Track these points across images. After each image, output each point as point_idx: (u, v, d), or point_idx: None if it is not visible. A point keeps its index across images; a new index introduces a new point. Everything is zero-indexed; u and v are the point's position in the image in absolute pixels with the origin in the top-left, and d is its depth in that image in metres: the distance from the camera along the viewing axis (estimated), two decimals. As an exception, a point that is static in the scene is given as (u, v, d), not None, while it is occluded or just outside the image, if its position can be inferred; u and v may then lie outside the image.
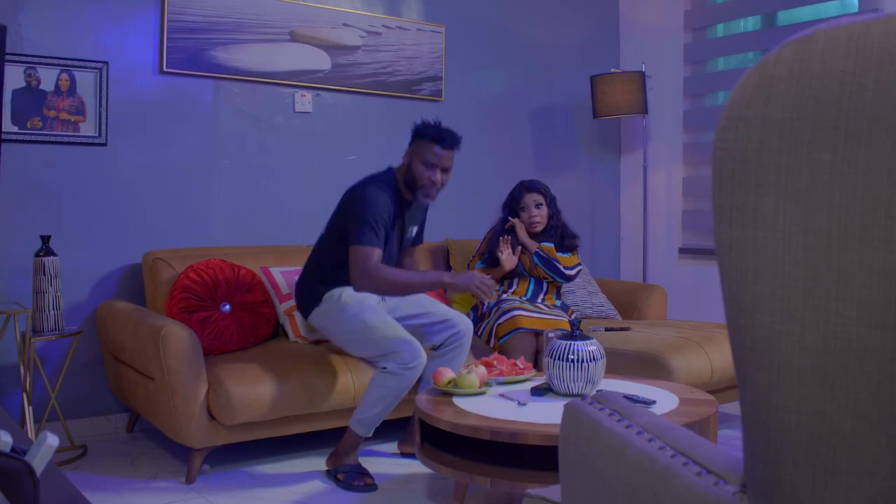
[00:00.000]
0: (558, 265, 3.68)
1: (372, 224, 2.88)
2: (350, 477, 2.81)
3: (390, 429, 3.48)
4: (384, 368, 2.84)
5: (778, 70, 0.70)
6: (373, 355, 2.94)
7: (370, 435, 2.92)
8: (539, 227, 3.77)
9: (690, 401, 2.51)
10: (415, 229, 3.25)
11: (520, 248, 3.73)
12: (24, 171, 3.30)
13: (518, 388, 2.69)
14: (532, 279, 3.74)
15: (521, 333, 3.40)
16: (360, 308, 2.95)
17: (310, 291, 3.08)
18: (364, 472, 2.83)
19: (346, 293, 3.01)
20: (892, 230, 0.65)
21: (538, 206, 3.78)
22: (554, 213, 3.81)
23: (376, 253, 2.88)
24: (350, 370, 3.06)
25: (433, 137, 2.98)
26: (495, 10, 4.59)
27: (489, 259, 3.78)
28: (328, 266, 3.05)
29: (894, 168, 0.64)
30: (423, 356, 2.86)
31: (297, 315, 3.35)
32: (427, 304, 3.16)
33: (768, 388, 0.72)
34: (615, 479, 0.95)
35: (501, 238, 3.72)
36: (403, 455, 3.16)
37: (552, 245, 3.74)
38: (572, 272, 3.72)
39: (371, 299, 3.04)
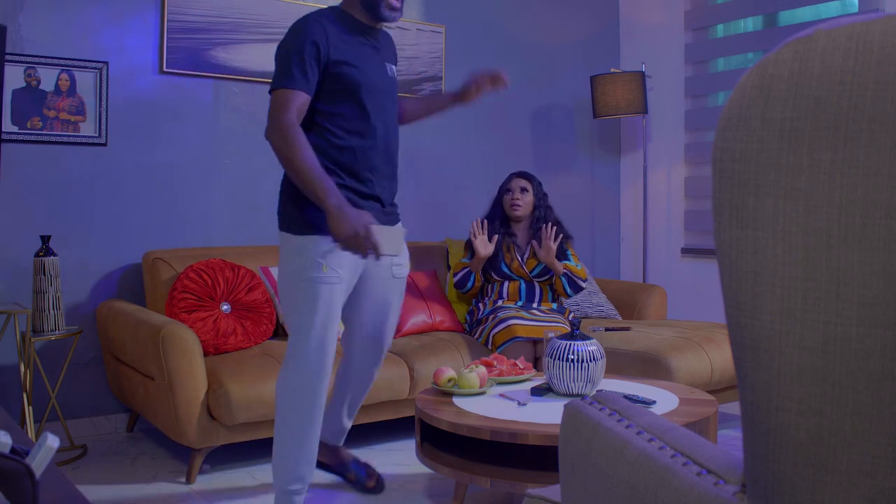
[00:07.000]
0: (581, 284, 3.67)
1: (295, 59, 2.23)
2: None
3: (391, 428, 3.48)
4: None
5: (778, 70, 0.70)
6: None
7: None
8: (519, 212, 3.71)
9: (690, 401, 2.51)
10: (394, 68, 2.59)
11: (497, 237, 3.65)
12: (24, 171, 3.30)
13: (518, 388, 2.69)
14: (522, 281, 3.69)
15: (518, 343, 3.38)
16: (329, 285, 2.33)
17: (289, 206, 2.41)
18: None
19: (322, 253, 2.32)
20: (892, 230, 0.65)
21: (523, 190, 3.74)
22: (541, 206, 3.75)
23: (298, 98, 2.22)
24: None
25: None
26: (495, 10, 4.59)
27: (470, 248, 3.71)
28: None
29: (894, 168, 0.64)
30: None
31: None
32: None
33: (768, 388, 0.72)
34: (615, 478, 0.95)
35: (474, 222, 3.64)
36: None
37: (580, 266, 3.69)
38: (586, 283, 3.74)
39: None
